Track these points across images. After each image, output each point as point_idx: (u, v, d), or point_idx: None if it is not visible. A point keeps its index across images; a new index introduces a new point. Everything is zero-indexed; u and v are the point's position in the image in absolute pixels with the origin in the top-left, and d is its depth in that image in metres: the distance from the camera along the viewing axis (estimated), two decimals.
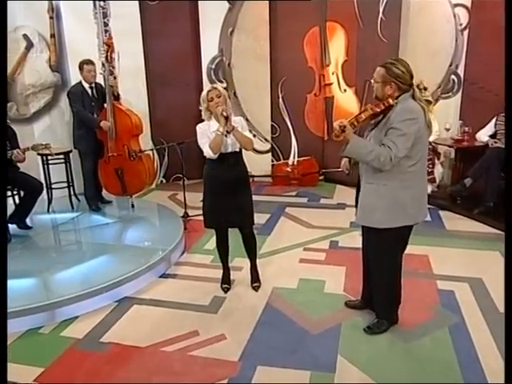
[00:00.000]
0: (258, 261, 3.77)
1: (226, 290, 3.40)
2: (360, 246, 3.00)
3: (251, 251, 3.47)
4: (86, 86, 4.64)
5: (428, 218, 4.85)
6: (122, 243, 4.05)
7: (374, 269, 2.88)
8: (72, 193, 5.06)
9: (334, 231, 4.49)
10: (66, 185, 5.03)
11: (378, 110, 2.55)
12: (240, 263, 3.76)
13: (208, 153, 3.06)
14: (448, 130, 5.35)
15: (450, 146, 5.35)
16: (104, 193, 5.08)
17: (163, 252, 3.70)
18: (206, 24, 5.95)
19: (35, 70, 5.43)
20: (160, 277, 3.66)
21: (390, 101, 2.53)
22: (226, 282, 3.47)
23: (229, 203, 3.15)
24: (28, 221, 4.39)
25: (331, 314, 3.08)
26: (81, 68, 4.63)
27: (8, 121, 5.11)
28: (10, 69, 5.29)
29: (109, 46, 4.59)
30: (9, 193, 4.38)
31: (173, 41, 5.94)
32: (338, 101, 6.23)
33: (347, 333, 2.86)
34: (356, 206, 2.82)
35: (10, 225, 4.18)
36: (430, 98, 5.66)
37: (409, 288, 3.30)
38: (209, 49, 6.06)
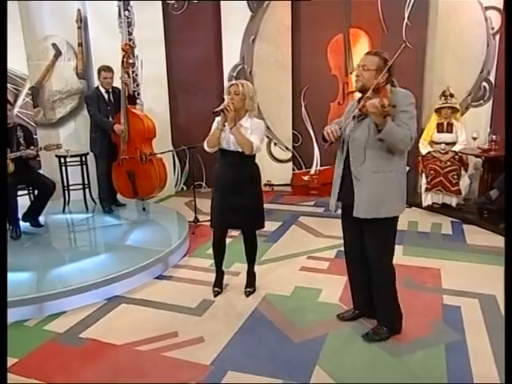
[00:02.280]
0: (257, 267, 3.68)
1: (216, 294, 3.30)
2: None
3: (249, 256, 3.36)
4: (103, 90, 4.76)
5: (449, 232, 4.61)
6: (123, 244, 4.05)
7: (375, 267, 2.66)
8: (88, 195, 5.17)
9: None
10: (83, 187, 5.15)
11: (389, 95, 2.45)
12: (238, 268, 3.67)
13: (204, 145, 3.05)
14: (475, 138, 5.03)
15: (477, 156, 5.02)
16: (119, 196, 5.15)
17: (159, 254, 3.66)
18: (228, 32, 5.99)
19: (62, 77, 5.66)
20: (156, 278, 3.62)
21: (387, 89, 2.44)
22: (218, 285, 3.37)
23: (231, 203, 3.07)
24: (42, 220, 4.52)
25: (319, 323, 2.90)
26: (99, 74, 4.76)
27: (34, 124, 5.38)
28: (38, 76, 5.57)
29: (125, 52, 4.70)
30: (25, 191, 4.56)
31: (195, 49, 6.01)
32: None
33: (332, 343, 2.68)
34: (339, 200, 2.66)
35: (23, 222, 4.34)
36: (456, 106, 5.46)
37: (410, 301, 3.11)
38: (230, 57, 6.08)
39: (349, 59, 5.99)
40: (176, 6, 5.97)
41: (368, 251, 2.65)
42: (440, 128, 5.26)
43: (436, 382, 2.33)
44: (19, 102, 5.28)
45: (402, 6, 5.52)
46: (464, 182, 5.10)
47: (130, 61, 5.61)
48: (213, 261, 3.84)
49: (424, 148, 5.29)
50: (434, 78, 5.66)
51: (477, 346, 2.61)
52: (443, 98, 5.20)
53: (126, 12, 5.61)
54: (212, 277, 3.50)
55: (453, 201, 5.07)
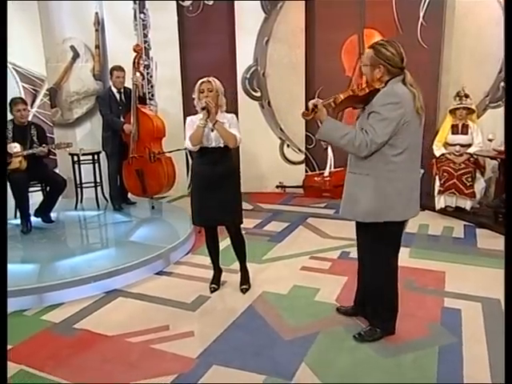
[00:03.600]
0: (257, 266, 3.67)
1: (212, 290, 3.30)
2: None
3: (238, 252, 3.35)
4: (115, 90, 4.86)
5: (460, 235, 4.48)
6: (127, 240, 4.11)
7: (364, 269, 2.69)
8: (101, 193, 5.27)
9: (349, 242, 4.19)
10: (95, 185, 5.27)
11: (361, 93, 2.39)
12: (237, 266, 3.63)
13: (188, 145, 3.04)
14: (491, 140, 4.87)
15: (492, 158, 4.85)
16: (130, 195, 5.23)
17: (159, 250, 3.70)
18: (241, 34, 6.01)
19: (80, 78, 5.84)
20: (156, 274, 3.65)
21: (375, 84, 2.38)
22: (215, 282, 3.37)
23: (213, 200, 3.06)
24: (54, 216, 4.63)
25: (312, 322, 2.86)
26: (111, 73, 4.87)
27: (51, 124, 5.54)
28: (57, 77, 5.75)
29: (137, 53, 4.80)
30: (39, 188, 4.70)
31: (209, 51, 6.05)
32: None
33: (322, 342, 2.63)
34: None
35: (35, 218, 4.46)
36: (472, 107, 5.30)
37: (409, 303, 3.04)
38: (244, 58, 6.09)
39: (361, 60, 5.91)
40: (191, 8, 6.05)
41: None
42: (455, 129, 5.12)
43: (425, 382, 2.26)
44: (37, 102, 5.45)
45: (417, 5, 5.44)
46: (479, 185, 4.93)
47: (146, 62, 5.74)
48: None
49: (438, 150, 5.15)
50: (450, 78, 5.53)
51: (472, 349, 2.51)
52: (458, 98, 5.06)
53: (142, 15, 5.68)
54: (211, 274, 3.51)
55: (467, 204, 4.90)
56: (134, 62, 4.77)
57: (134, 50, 4.81)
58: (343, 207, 2.56)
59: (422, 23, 5.46)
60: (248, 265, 3.43)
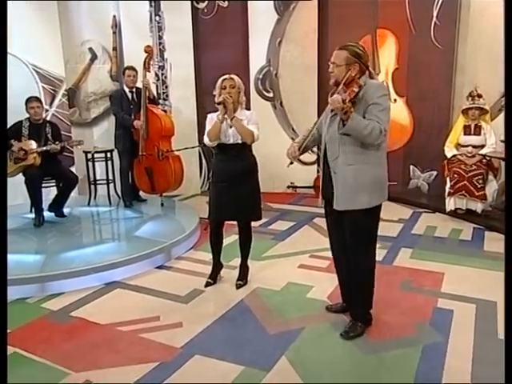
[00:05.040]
0: (256, 263, 3.71)
1: (207, 285, 3.36)
2: None
3: (243, 247, 3.40)
4: (127, 90, 5.01)
5: (468, 238, 4.39)
6: (132, 234, 4.24)
7: (352, 259, 2.64)
8: (113, 189, 5.43)
9: None
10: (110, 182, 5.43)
11: (357, 89, 2.43)
12: (236, 263, 3.68)
13: (206, 140, 3.11)
14: (503, 141, 4.74)
15: (503, 160, 4.72)
16: (141, 193, 5.36)
17: (160, 245, 3.80)
18: (254, 35, 6.08)
19: (97, 79, 6.04)
20: (156, 267, 3.74)
21: (361, 82, 2.43)
22: (212, 277, 3.42)
23: (231, 196, 3.13)
24: (67, 211, 4.81)
25: (299, 318, 2.88)
26: (123, 73, 5.04)
27: (69, 123, 5.75)
28: (75, 78, 5.97)
29: (148, 54, 4.93)
30: (53, 183, 4.88)
31: (222, 52, 6.14)
32: None
33: (306, 336, 2.65)
34: (322, 195, 2.67)
35: (48, 212, 4.65)
36: (485, 107, 5.18)
37: (400, 302, 3.06)
38: (257, 59, 6.16)
39: (376, 60, 5.88)
40: (206, 10, 6.17)
41: (347, 245, 2.62)
42: (467, 130, 5.01)
43: (402, 381, 2.24)
44: (56, 102, 5.67)
45: (430, 5, 5.38)
46: (491, 188, 4.81)
47: (160, 64, 5.91)
48: None
49: (449, 151, 5.06)
50: (464, 78, 5.42)
51: (457, 349, 2.48)
52: (470, 98, 4.96)
53: (157, 17, 5.87)
54: (209, 269, 3.56)
55: (478, 206, 4.79)
56: (144, 63, 4.90)
57: (145, 51, 4.93)
58: (340, 201, 2.52)
59: (435, 23, 5.39)
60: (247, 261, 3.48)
